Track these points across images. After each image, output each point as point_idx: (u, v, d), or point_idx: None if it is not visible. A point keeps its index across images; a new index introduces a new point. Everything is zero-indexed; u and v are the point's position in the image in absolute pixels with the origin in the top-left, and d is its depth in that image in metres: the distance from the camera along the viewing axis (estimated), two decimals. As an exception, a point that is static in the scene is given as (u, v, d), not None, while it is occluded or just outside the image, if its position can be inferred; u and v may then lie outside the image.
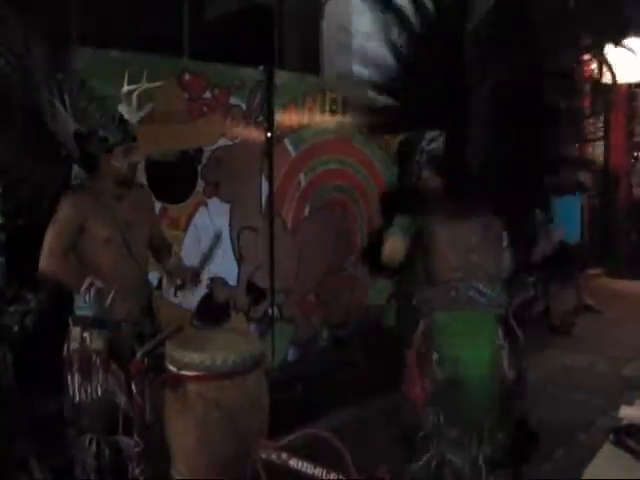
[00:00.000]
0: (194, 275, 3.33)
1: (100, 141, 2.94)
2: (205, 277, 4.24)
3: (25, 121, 2.93)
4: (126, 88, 3.03)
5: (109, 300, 2.83)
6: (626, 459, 2.22)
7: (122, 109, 3.01)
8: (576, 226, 6.69)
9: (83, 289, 2.81)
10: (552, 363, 5.60)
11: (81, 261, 2.98)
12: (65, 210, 2.92)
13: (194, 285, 3.40)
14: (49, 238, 2.89)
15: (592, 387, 5.12)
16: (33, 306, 3.25)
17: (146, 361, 2.84)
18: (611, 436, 2.32)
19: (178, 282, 3.35)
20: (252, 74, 4.51)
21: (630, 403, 2.63)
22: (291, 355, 4.93)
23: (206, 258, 3.35)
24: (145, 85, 3.10)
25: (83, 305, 2.93)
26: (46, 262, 2.88)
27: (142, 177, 3.78)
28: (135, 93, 3.05)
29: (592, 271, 8.75)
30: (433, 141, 3.05)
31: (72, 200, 2.94)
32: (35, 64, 2.94)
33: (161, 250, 3.36)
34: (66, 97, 3.01)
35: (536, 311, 5.21)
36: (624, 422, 2.44)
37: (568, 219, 6.54)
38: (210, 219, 4.27)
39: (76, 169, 3.21)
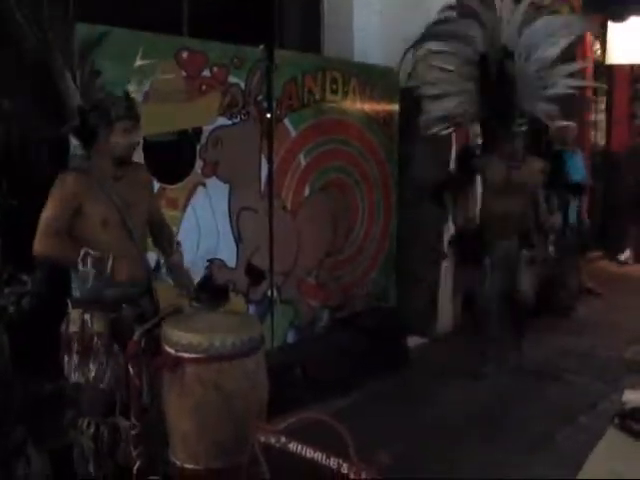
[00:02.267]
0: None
1: (102, 113, 2.89)
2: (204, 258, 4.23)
3: (39, 79, 2.89)
4: (139, 63, 2.99)
5: (108, 268, 2.79)
6: (631, 443, 2.20)
7: (130, 87, 2.97)
8: (575, 209, 6.67)
9: (79, 259, 2.77)
10: (552, 346, 5.58)
11: (79, 242, 2.93)
12: (60, 191, 2.87)
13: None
14: (44, 220, 2.85)
15: (593, 370, 5.11)
16: (29, 288, 3.21)
17: (143, 342, 2.82)
18: (616, 420, 2.29)
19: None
20: (252, 52, 4.45)
21: (634, 387, 2.60)
22: (291, 337, 4.90)
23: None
24: (154, 68, 3.07)
25: (83, 284, 2.89)
26: (40, 244, 2.84)
27: (139, 157, 3.71)
28: (146, 75, 3.02)
29: (592, 254, 8.73)
30: None
31: (68, 181, 2.89)
32: (54, 29, 2.90)
33: (160, 231, 3.32)
34: (76, 71, 2.97)
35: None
36: (628, 406, 2.41)
37: (572, 203, 6.55)
38: (209, 199, 4.22)
39: (73, 146, 3.17)
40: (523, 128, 4.85)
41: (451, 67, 5.00)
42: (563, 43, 4.89)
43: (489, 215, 5.03)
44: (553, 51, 4.87)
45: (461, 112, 5.02)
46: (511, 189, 4.84)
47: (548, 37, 4.87)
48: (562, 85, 4.96)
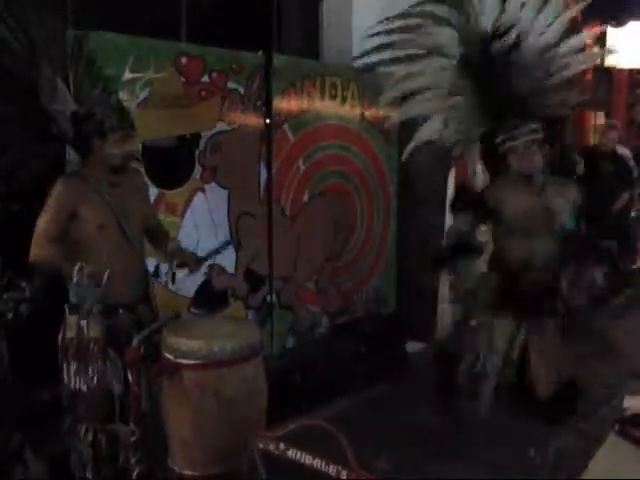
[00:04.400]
0: (197, 262, 3.30)
1: (95, 124, 2.89)
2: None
3: (18, 96, 2.87)
4: (128, 76, 2.97)
5: (104, 282, 2.79)
6: (631, 450, 2.20)
7: (123, 95, 2.96)
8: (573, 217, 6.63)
9: (74, 274, 2.77)
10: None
11: (76, 248, 2.94)
12: (57, 196, 2.88)
13: (194, 271, 3.37)
14: (40, 225, 2.87)
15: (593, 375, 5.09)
16: (28, 294, 3.21)
17: (142, 348, 2.81)
18: (616, 427, 2.29)
19: (174, 267, 3.32)
20: (251, 58, 4.45)
21: (635, 393, 2.60)
22: (290, 343, 4.89)
23: (211, 254, 3.34)
24: (149, 75, 3.05)
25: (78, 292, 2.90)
26: (37, 249, 2.86)
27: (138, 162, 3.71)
28: (139, 82, 3.00)
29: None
30: None
31: (64, 186, 2.90)
32: (42, 39, 2.87)
33: (157, 236, 3.32)
34: (70, 76, 2.95)
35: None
36: (629, 413, 2.41)
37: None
38: (207, 205, 4.22)
39: (71, 152, 3.17)
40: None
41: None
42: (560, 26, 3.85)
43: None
44: (551, 34, 3.84)
45: (453, 131, 4.03)
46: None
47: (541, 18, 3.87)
48: (576, 62, 3.88)
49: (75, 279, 2.78)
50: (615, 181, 7.09)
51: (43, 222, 2.87)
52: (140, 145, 3.44)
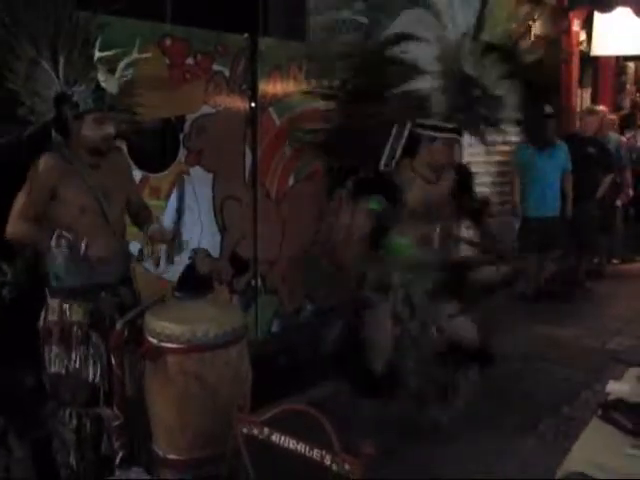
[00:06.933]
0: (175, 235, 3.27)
1: (71, 107, 2.84)
2: (188, 247, 4.19)
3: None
4: (98, 54, 2.90)
5: (82, 249, 2.78)
6: (614, 434, 2.21)
7: (100, 76, 2.89)
8: (557, 203, 6.66)
9: (54, 242, 2.74)
10: (537, 335, 5.59)
11: (55, 227, 2.90)
12: (36, 175, 2.84)
13: (177, 248, 3.34)
14: (18, 203, 2.84)
15: (577, 360, 5.13)
16: (10, 278, 3.17)
17: (126, 332, 2.79)
18: (599, 411, 2.30)
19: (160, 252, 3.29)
20: (236, 40, 4.41)
21: (617, 378, 2.61)
22: (275, 327, 4.89)
23: (179, 215, 3.31)
24: (132, 56, 3.00)
25: (59, 270, 2.87)
26: (14, 226, 2.83)
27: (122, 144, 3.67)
28: (122, 63, 2.94)
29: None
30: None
31: (44, 165, 2.85)
32: (28, 19, 2.81)
33: (141, 217, 3.28)
34: (61, 58, 2.88)
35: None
36: (611, 397, 2.42)
37: (549, 195, 6.55)
38: (192, 188, 4.19)
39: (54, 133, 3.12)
40: None
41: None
42: None
43: None
44: None
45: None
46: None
47: None
48: None
49: (54, 247, 2.76)
50: (597, 166, 7.11)
51: (21, 199, 2.84)
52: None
